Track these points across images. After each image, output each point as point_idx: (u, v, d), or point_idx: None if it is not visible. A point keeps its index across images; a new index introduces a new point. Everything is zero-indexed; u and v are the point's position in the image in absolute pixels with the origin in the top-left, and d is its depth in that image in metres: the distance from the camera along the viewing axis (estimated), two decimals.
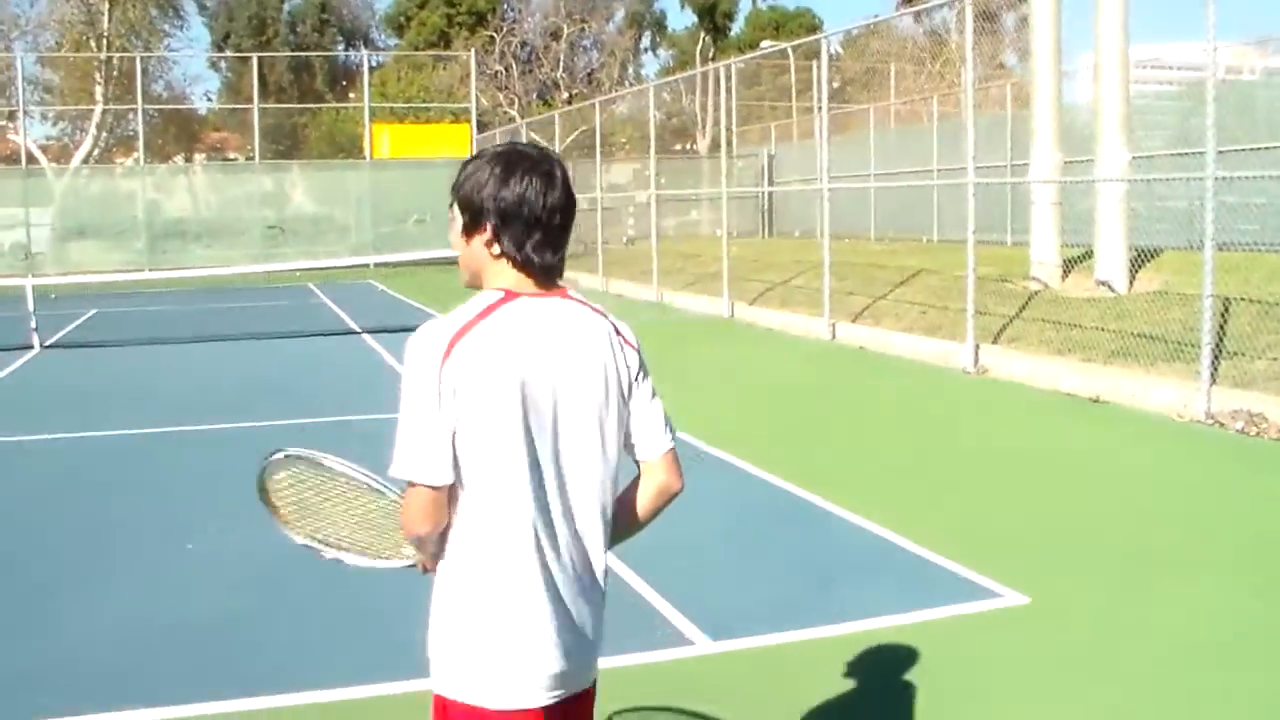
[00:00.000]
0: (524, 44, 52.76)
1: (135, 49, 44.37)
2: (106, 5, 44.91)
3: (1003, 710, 4.93)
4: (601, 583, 2.85)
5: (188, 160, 53.37)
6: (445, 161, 39.14)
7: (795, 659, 5.42)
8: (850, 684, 5.12)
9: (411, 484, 2.66)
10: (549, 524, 2.72)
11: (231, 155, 59.06)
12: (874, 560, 6.86)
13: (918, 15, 35.87)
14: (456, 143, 40.34)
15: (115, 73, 43.97)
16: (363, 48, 67.19)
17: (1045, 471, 9.00)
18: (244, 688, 5.26)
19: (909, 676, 5.19)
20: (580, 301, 2.90)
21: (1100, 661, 5.30)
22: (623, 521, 2.92)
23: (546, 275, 2.81)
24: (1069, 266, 16.18)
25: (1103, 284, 14.99)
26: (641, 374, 2.95)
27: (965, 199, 14.17)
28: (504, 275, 2.79)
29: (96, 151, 45.11)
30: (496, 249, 2.78)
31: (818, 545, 7.19)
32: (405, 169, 39.19)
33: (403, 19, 69.65)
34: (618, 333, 2.95)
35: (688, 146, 54.46)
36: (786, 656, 5.44)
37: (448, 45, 56.76)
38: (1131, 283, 14.82)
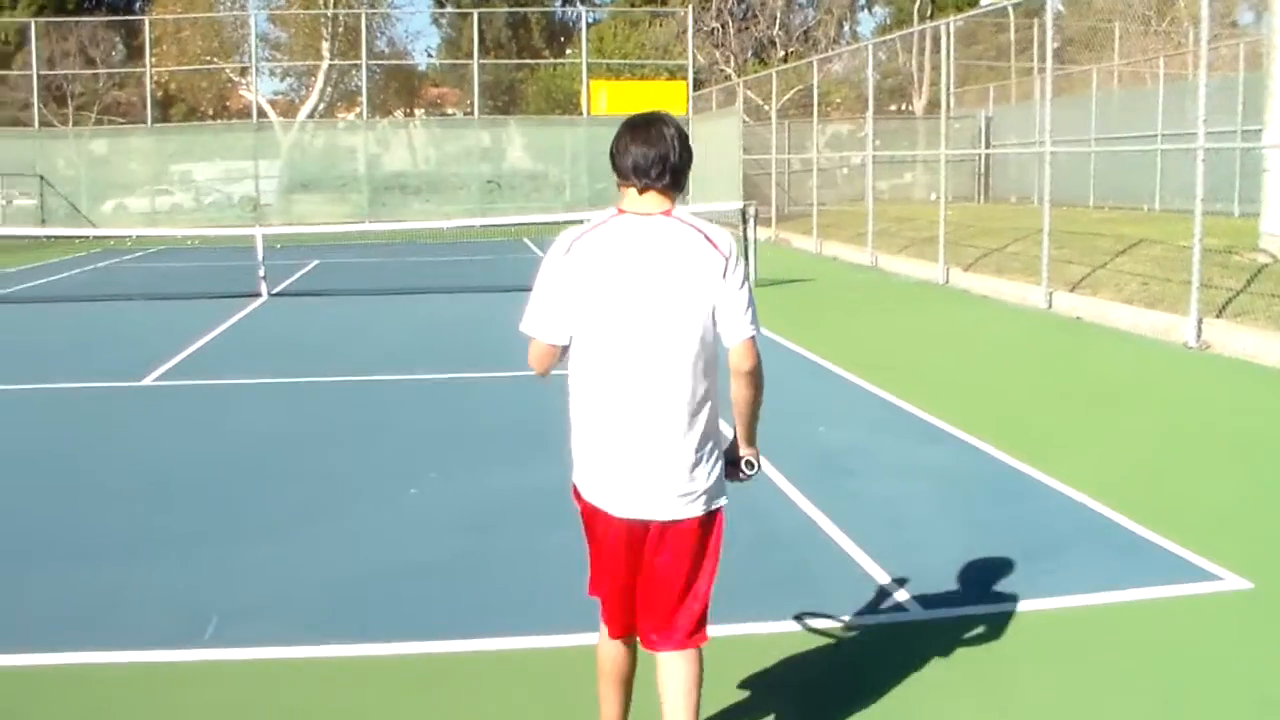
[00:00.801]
0: (740, 0, 52.48)
1: (361, 6, 45.48)
2: None
3: (1229, 695, 4.81)
4: (685, 440, 3.69)
5: (408, 115, 54.62)
6: None
7: (1000, 632, 5.41)
8: (1061, 660, 5.10)
9: (531, 337, 3.79)
10: (628, 385, 3.68)
11: (450, 110, 60.32)
12: (1089, 536, 6.74)
13: None
14: (673, 100, 40.45)
15: (341, 29, 45.18)
16: (579, 4, 67.81)
17: (1272, 453, 8.71)
18: (446, 629, 5.52)
19: (1123, 656, 5.15)
20: (679, 219, 3.76)
21: None
22: (735, 399, 3.86)
23: (663, 196, 3.77)
24: None
25: None
26: (726, 273, 3.70)
27: (1191, 165, 13.75)
28: (625, 201, 3.80)
29: (322, 106, 46.48)
30: (626, 180, 3.77)
31: (1032, 518, 7.10)
32: None
33: None
34: (708, 240, 3.72)
35: (903, 107, 53.67)
36: (992, 630, 5.43)
37: (665, 2, 56.81)
38: None
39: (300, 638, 5.44)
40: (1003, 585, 5.94)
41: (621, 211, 3.78)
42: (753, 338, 3.74)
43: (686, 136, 3.84)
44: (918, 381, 11.39)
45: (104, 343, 15.16)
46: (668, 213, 3.76)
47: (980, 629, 5.45)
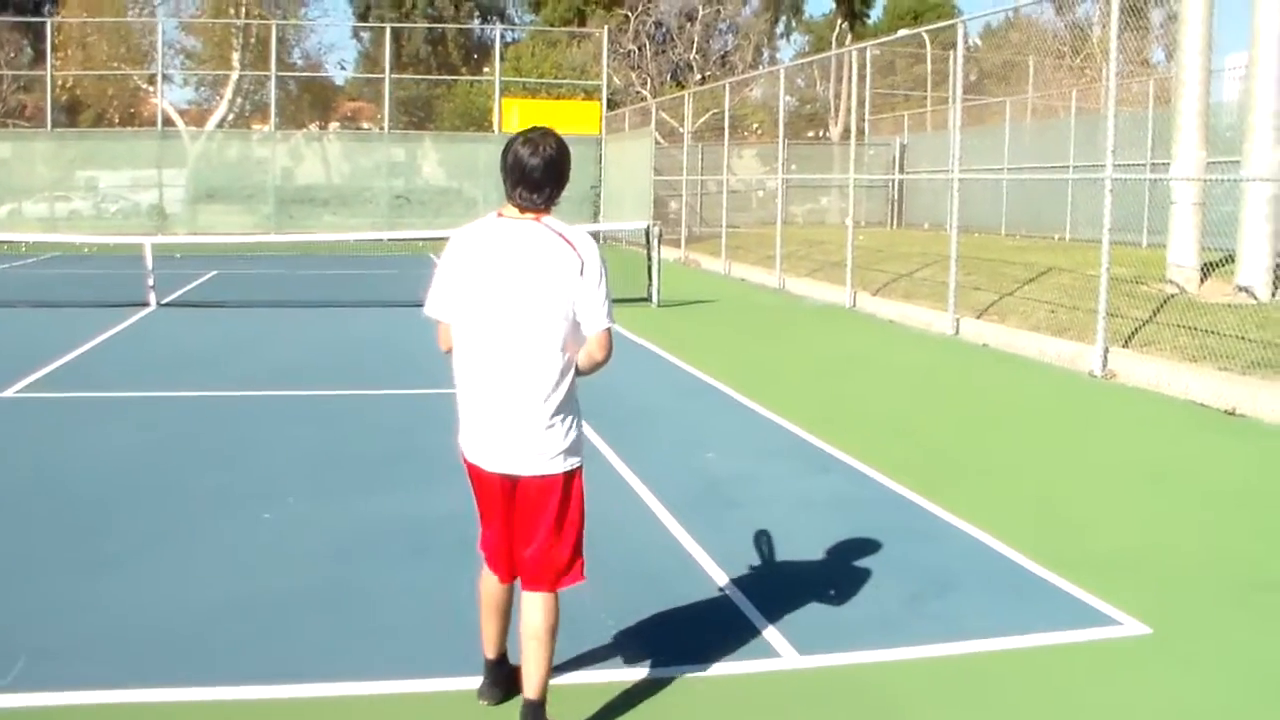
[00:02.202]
0: (659, 24, 52.32)
1: (273, 17, 44.77)
2: None
3: None
4: (540, 408, 4.28)
5: (322, 128, 53.88)
6: (576, 138, 38.99)
7: (885, 680, 5.00)
8: (947, 711, 4.71)
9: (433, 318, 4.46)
10: (493, 361, 4.28)
11: (365, 125, 59.60)
12: (982, 575, 6.35)
13: (1060, 7, 34.88)
14: (586, 120, 40.12)
15: (253, 40, 44.42)
16: (496, 22, 67.44)
17: (1175, 487, 8.40)
18: (286, 672, 5.01)
19: (1014, 706, 4.78)
20: (545, 225, 4.34)
21: (1232, 710, 4.82)
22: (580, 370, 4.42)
23: (528, 207, 4.36)
24: (1207, 271, 15.44)
25: (1244, 290, 14.29)
26: (584, 270, 4.28)
27: (1101, 195, 13.55)
28: (506, 206, 4.41)
29: (231, 116, 45.66)
30: (506, 190, 4.39)
31: (923, 555, 6.67)
32: None
33: None
34: (568, 243, 4.31)
35: (820, 134, 53.76)
36: (875, 677, 5.02)
37: (583, 23, 56.62)
38: (1275, 291, 14.10)
39: (115, 679, 4.91)
40: (887, 628, 5.53)
41: (500, 215, 4.42)
42: (607, 330, 4.35)
43: (558, 156, 4.37)
44: (815, 407, 11.01)
45: None
46: (537, 218, 4.36)
47: (860, 677, 5.03)
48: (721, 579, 6.16)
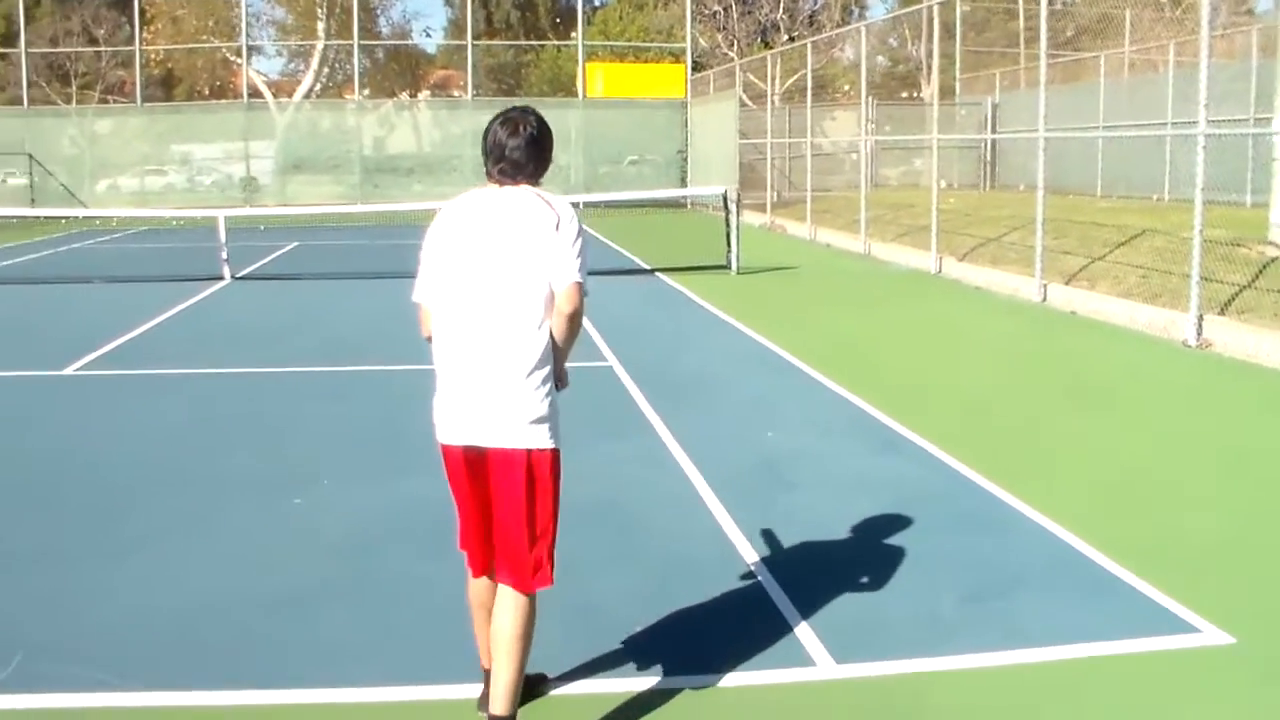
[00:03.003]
0: None
1: None
2: None
3: None
4: (509, 372, 4.04)
5: (412, 97, 53.87)
6: (661, 102, 38.54)
7: (927, 692, 4.54)
8: None
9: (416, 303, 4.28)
10: (464, 324, 4.10)
11: (455, 93, 59.53)
12: (1048, 571, 5.82)
13: None
14: (671, 83, 39.67)
15: (337, 10, 44.39)
16: None
17: (1272, 474, 7.69)
18: (283, 676, 4.71)
19: None
20: (527, 190, 4.19)
21: None
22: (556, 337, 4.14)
23: (505, 180, 4.21)
24: None
25: None
26: (559, 226, 4.10)
27: (1197, 151, 12.85)
28: (489, 180, 4.25)
29: (318, 87, 45.73)
30: (486, 169, 4.26)
31: (986, 548, 6.16)
32: (620, 108, 38.72)
33: None
34: (545, 202, 4.15)
35: (914, 94, 52.72)
36: (916, 689, 4.56)
37: None
38: None
39: (109, 681, 4.63)
40: (935, 632, 5.06)
41: (484, 187, 4.28)
42: (578, 284, 4.10)
43: (539, 135, 4.24)
44: (887, 381, 10.52)
45: (40, 328, 14.36)
46: (517, 184, 4.21)
47: (899, 688, 4.58)
48: (761, 571, 5.74)
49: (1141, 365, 11.61)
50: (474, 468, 4.16)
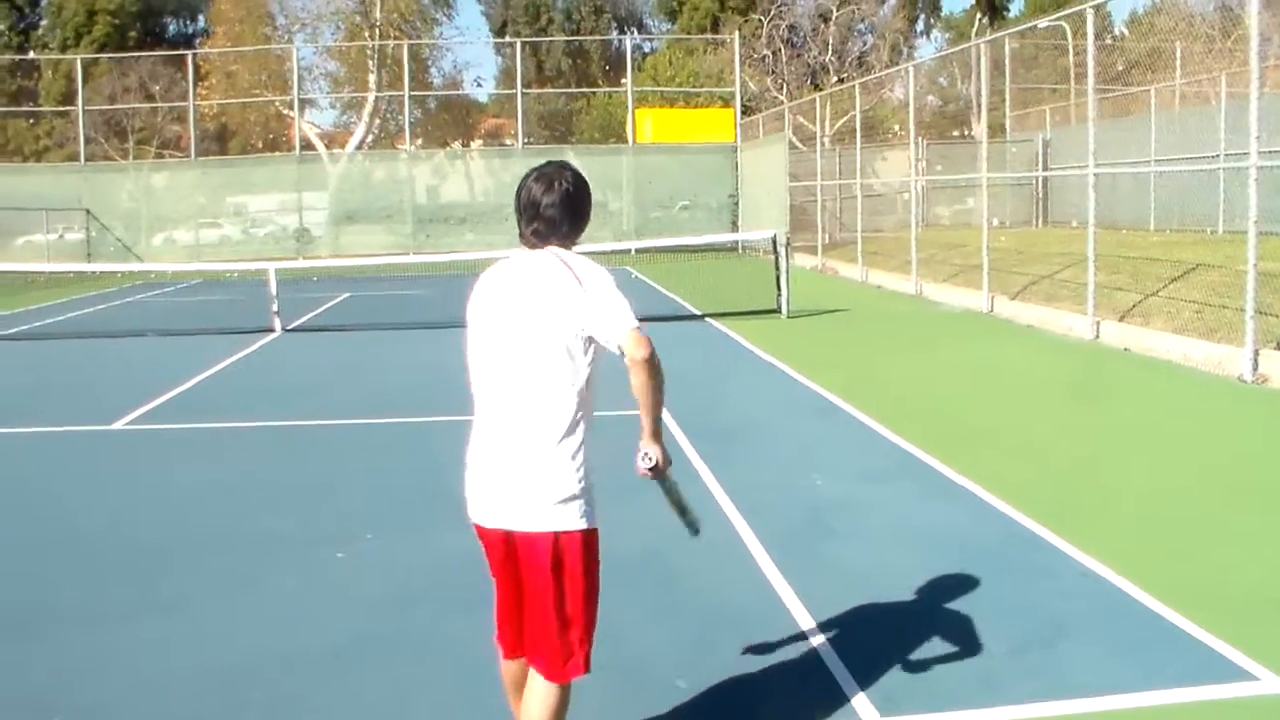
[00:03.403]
0: (792, 27, 51.55)
1: (406, 38, 45.16)
2: None
3: None
4: (537, 452, 3.84)
5: (465, 146, 54.29)
6: (711, 146, 38.59)
7: None
8: None
9: None
10: (493, 397, 3.97)
11: (507, 141, 59.98)
12: (1100, 619, 5.67)
13: None
14: (720, 127, 39.74)
15: (388, 61, 44.84)
16: (634, 33, 67.43)
17: None
18: None
19: None
20: (551, 253, 3.99)
21: None
22: (634, 390, 3.86)
23: (537, 241, 4.03)
24: None
25: None
26: (583, 283, 3.85)
27: (1250, 183, 12.67)
28: (521, 242, 4.09)
29: (370, 138, 46.16)
30: (520, 230, 4.09)
31: (1037, 596, 6.01)
32: (671, 153, 38.81)
33: (675, 4, 69.54)
34: (565, 264, 3.92)
35: (965, 133, 52.57)
36: None
37: (715, 30, 56.22)
38: None
39: None
40: (984, 684, 4.93)
41: (518, 253, 4.10)
42: (636, 328, 3.80)
43: (575, 191, 4.05)
44: (938, 425, 10.38)
45: (91, 383, 14.47)
46: (545, 248, 4.02)
47: None
48: (808, 622, 5.63)
49: (1196, 402, 11.42)
50: (505, 548, 3.98)
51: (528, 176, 4.08)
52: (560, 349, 3.86)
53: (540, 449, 3.85)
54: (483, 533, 4.02)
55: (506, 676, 4.23)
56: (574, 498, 3.88)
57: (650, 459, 4.06)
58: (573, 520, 3.87)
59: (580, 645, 3.93)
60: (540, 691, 3.94)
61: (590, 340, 3.89)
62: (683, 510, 4.37)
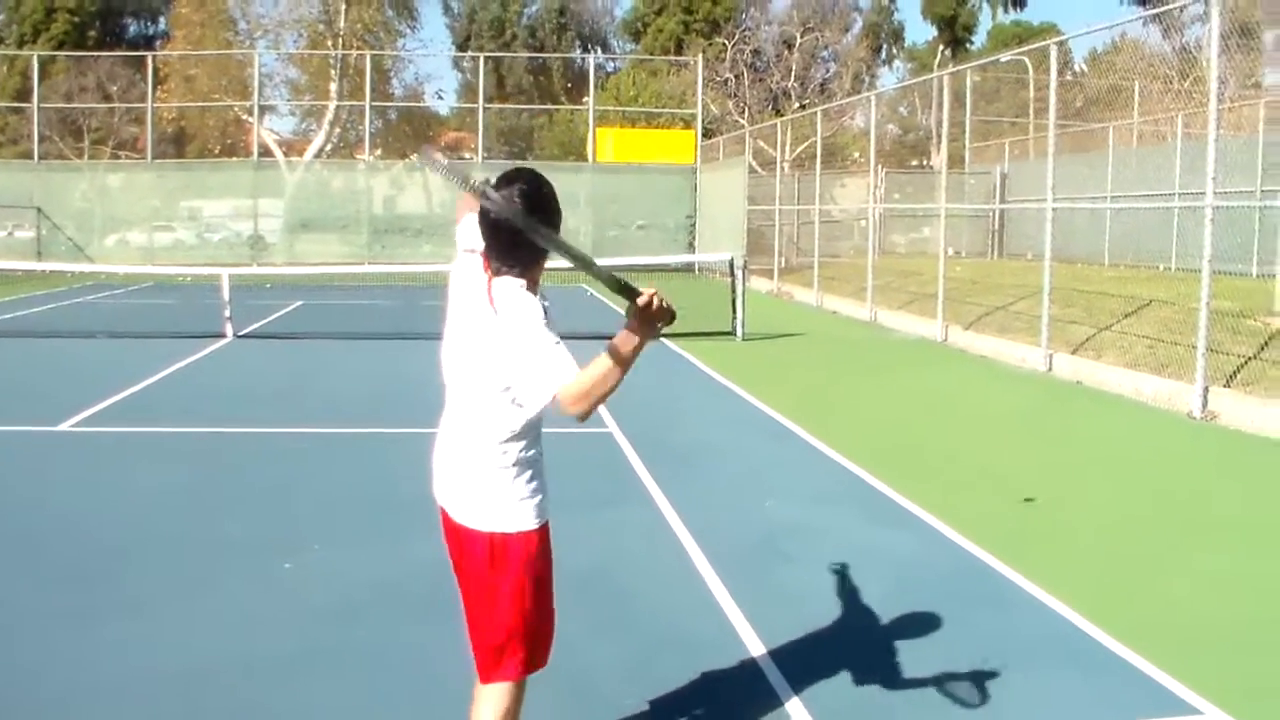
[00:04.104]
0: (756, 52, 51.83)
1: (369, 48, 45.04)
2: (343, 5, 45.72)
3: None
4: (472, 461, 3.75)
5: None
6: (671, 167, 38.64)
7: None
8: None
9: None
10: (453, 397, 3.84)
11: (466, 155, 59.89)
12: (1048, 650, 5.67)
13: (1166, 31, 33.82)
14: (681, 148, 39.77)
15: (350, 71, 44.69)
16: (599, 52, 67.54)
17: (1275, 547, 7.60)
18: None
19: None
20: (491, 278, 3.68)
21: None
22: None
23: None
24: None
25: None
26: (501, 330, 3.57)
27: (1205, 223, 12.77)
28: None
29: (329, 147, 45.97)
30: None
31: (985, 625, 6.02)
32: (630, 173, 38.81)
33: (640, 25, 69.78)
34: (488, 291, 3.65)
35: (924, 162, 52.94)
36: None
37: (680, 52, 56.39)
38: None
39: None
40: (935, 712, 4.92)
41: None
42: (567, 386, 3.43)
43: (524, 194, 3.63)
44: (891, 452, 10.39)
45: (38, 383, 14.28)
46: (486, 266, 3.73)
47: None
48: (756, 646, 5.59)
49: (1147, 437, 11.49)
50: (450, 530, 3.89)
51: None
52: (491, 387, 3.68)
53: (481, 453, 3.74)
54: (441, 510, 3.92)
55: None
56: (511, 500, 3.75)
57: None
58: (508, 522, 3.74)
59: (512, 649, 3.78)
60: (479, 695, 3.85)
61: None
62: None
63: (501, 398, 3.67)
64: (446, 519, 3.89)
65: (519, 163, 41.87)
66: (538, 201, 3.63)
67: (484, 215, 3.59)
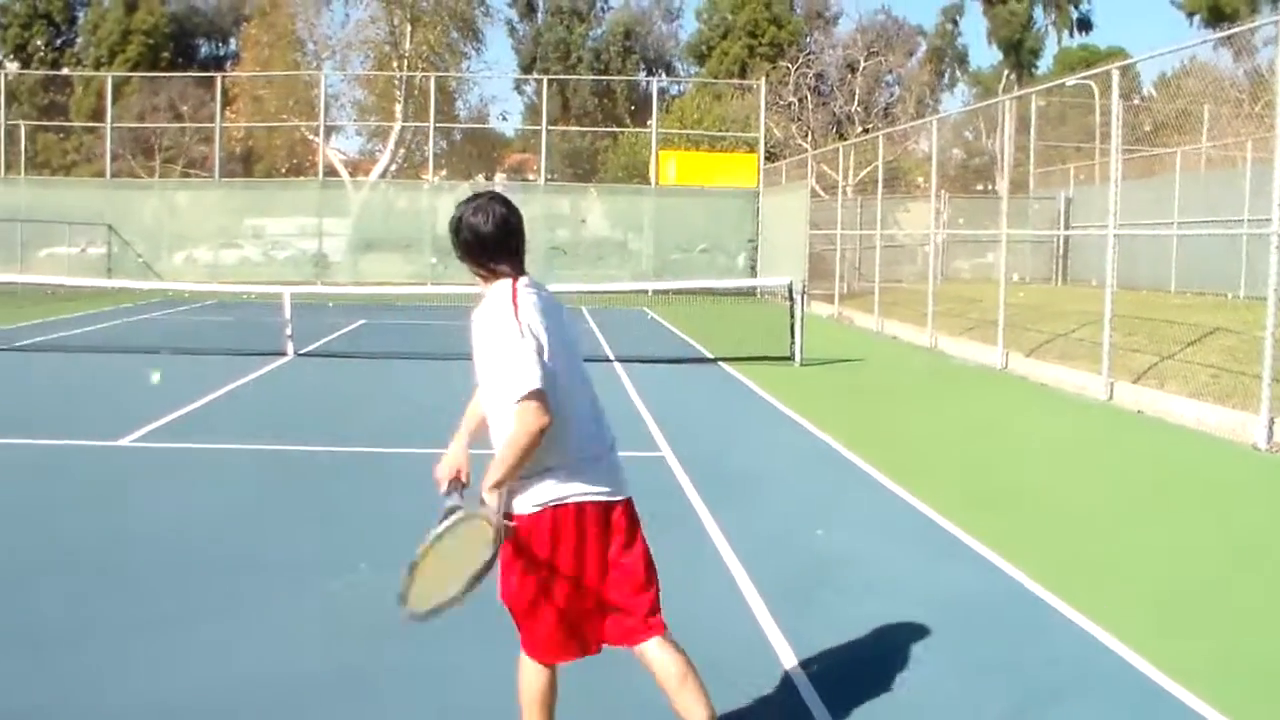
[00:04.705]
0: (820, 76, 51.81)
1: (434, 70, 45.35)
2: (408, 27, 46.09)
3: None
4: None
5: (488, 179, 54.46)
6: (734, 191, 38.63)
7: None
8: None
9: None
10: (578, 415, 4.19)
11: (530, 176, 60.18)
12: (1099, 685, 5.57)
13: (1237, 54, 33.43)
14: (744, 172, 39.76)
15: (415, 92, 45.04)
16: (663, 75, 67.68)
17: None
18: None
19: None
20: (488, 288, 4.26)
21: None
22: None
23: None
24: None
25: None
26: (488, 332, 4.14)
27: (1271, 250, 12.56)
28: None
29: (394, 167, 46.33)
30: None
31: (1036, 654, 5.93)
32: (693, 196, 38.85)
33: (704, 48, 69.87)
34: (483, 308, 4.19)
35: (988, 187, 52.62)
36: None
37: (745, 76, 56.41)
38: None
39: None
40: None
41: (515, 277, 4.33)
42: (524, 396, 3.93)
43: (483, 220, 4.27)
44: (946, 481, 10.28)
45: (102, 397, 14.48)
46: (486, 280, 4.30)
47: None
48: (800, 679, 5.54)
49: (1210, 469, 11.31)
50: (599, 521, 4.24)
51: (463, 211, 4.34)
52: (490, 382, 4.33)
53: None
54: (571, 513, 4.14)
55: (543, 690, 4.33)
56: (530, 489, 4.19)
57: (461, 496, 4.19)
58: (519, 506, 4.17)
59: (521, 624, 4.26)
60: (661, 650, 4.27)
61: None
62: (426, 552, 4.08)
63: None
64: (596, 510, 4.19)
65: (582, 186, 42.29)
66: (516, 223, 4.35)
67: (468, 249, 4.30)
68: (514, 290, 4.17)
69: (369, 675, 5.55)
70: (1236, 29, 15.66)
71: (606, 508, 4.19)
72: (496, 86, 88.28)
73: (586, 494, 4.13)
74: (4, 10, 71.12)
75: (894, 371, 18.91)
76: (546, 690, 4.29)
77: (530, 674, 4.26)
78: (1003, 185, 42.79)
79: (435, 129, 41.35)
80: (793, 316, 19.12)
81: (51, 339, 21.04)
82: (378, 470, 10.53)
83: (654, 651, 4.21)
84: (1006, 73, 65.62)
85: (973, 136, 60.05)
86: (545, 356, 4.05)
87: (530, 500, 4.09)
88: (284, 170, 49.90)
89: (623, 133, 57.86)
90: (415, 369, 17.74)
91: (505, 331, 4.06)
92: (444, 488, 4.33)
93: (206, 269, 37.95)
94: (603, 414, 4.37)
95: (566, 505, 4.10)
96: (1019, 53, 72.55)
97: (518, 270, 4.28)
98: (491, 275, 4.24)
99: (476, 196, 4.29)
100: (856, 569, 7.49)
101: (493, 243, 4.23)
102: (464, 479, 4.37)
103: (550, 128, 40.92)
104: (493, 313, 4.12)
